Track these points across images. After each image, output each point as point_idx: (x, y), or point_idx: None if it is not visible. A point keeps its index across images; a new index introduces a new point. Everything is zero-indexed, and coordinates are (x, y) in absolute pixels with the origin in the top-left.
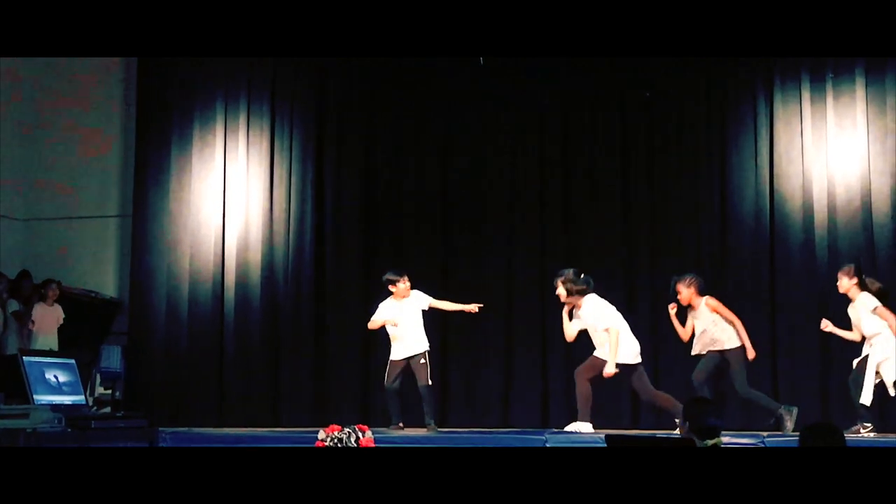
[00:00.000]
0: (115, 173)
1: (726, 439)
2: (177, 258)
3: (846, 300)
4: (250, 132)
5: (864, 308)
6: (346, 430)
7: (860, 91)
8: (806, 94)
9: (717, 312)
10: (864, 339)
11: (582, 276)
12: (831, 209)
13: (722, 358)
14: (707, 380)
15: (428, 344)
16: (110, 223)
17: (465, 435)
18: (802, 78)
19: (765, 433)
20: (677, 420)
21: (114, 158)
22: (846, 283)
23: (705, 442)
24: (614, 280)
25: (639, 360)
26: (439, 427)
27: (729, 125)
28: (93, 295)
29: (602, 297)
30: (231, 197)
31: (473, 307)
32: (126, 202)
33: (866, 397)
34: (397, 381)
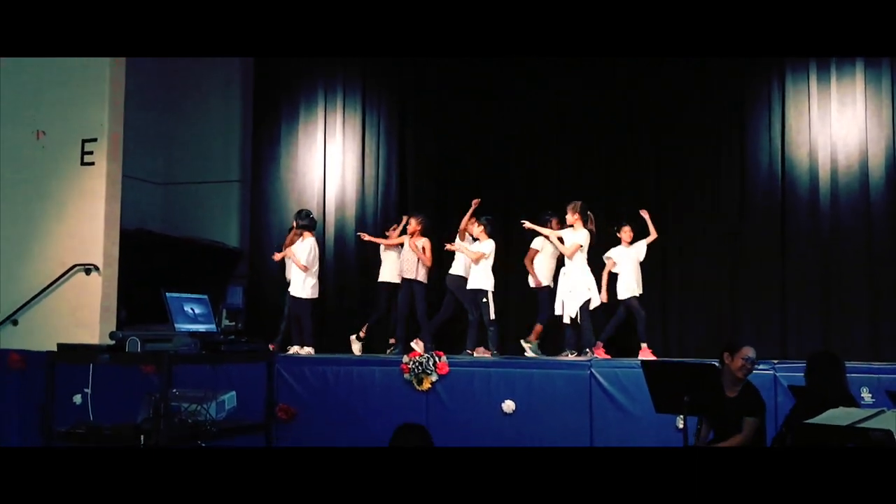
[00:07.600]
0: (236, 146)
1: None
2: (286, 215)
3: (847, 243)
4: (346, 114)
5: None
6: (426, 355)
7: (860, 73)
8: (813, 76)
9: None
10: None
11: None
12: (833, 171)
13: None
14: None
15: (492, 286)
16: (233, 186)
17: (522, 359)
18: (810, 63)
19: (775, 360)
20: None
21: (236, 134)
22: None
23: None
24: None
25: None
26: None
27: (747, 103)
28: (219, 244)
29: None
30: (330, 166)
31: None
32: (246, 169)
33: None
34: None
